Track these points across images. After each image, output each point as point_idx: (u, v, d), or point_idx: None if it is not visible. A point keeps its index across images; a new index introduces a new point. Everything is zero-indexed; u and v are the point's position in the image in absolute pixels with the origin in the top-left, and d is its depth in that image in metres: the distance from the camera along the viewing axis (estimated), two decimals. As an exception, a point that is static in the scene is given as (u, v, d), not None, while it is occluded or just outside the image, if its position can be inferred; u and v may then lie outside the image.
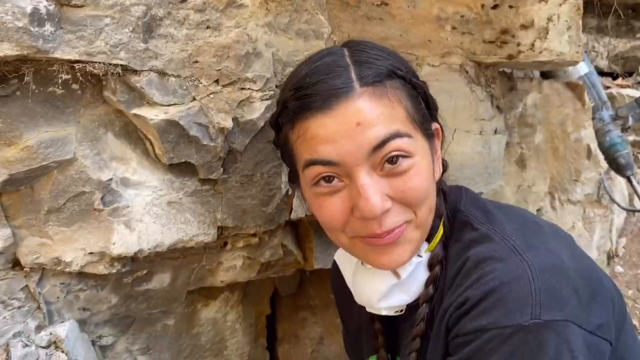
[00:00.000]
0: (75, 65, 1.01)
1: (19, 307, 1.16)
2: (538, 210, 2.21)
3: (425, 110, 1.02)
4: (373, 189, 0.91)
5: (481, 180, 1.72)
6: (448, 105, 1.62)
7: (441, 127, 1.13)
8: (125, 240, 1.15)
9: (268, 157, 1.28)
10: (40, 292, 1.17)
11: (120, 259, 1.16)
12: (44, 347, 1.17)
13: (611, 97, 2.59)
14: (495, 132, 1.78)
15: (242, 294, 1.58)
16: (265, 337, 1.71)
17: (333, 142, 0.91)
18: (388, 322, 1.17)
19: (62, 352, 1.17)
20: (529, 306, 0.85)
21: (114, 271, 1.17)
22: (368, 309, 1.12)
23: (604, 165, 2.37)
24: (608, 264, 2.74)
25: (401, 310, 1.10)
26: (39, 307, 1.18)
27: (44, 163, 1.05)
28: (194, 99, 1.13)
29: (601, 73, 2.93)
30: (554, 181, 2.31)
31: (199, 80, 1.13)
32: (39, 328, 1.19)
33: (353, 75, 0.94)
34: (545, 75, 2.33)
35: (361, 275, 1.12)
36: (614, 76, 3.13)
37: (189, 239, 1.23)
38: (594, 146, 2.33)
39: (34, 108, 1.04)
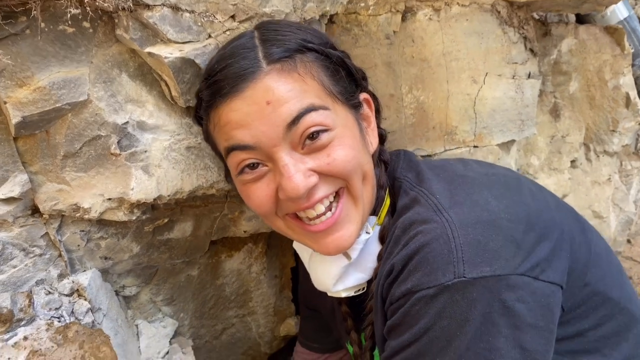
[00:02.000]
0: (84, -2, 0.96)
1: (40, 255, 1.14)
2: (573, 161, 2.12)
3: (345, 82, 0.99)
4: (294, 168, 0.90)
5: (514, 126, 1.63)
6: (479, 47, 1.54)
7: (373, 95, 1.10)
8: (144, 186, 1.11)
9: (289, 100, 1.22)
10: (61, 239, 1.15)
11: (139, 205, 1.14)
12: (66, 295, 1.16)
13: (652, 44, 2.43)
14: (529, 76, 1.68)
15: (266, 246, 1.55)
16: (291, 289, 1.69)
17: (246, 126, 0.89)
18: (357, 302, 1.15)
19: (85, 299, 1.16)
20: (450, 264, 0.83)
21: (134, 218, 1.15)
22: (329, 294, 1.11)
23: (644, 114, 2.24)
24: (645, 218, 2.64)
25: (363, 289, 1.08)
26: (60, 255, 1.17)
27: (57, 105, 1.02)
28: (209, 36, 1.08)
29: (641, 20, 2.76)
30: (590, 132, 2.20)
31: (214, 16, 1.07)
32: (61, 276, 1.18)
33: (260, 55, 0.91)
34: (581, 20, 2.20)
35: (314, 261, 1.10)
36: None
37: (209, 186, 1.20)
38: (634, 94, 2.20)
39: (44, 47, 1.00)
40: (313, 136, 0.90)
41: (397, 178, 1.05)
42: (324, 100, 0.92)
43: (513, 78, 1.62)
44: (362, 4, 1.37)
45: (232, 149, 0.92)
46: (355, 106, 1.00)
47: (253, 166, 0.93)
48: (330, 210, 0.96)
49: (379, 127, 1.11)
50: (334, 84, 0.96)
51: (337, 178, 0.94)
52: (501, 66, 1.59)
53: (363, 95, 1.05)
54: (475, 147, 1.56)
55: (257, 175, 0.94)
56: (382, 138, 1.10)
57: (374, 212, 1.04)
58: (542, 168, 2.03)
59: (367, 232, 1.02)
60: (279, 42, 0.93)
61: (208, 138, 1.02)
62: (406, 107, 1.45)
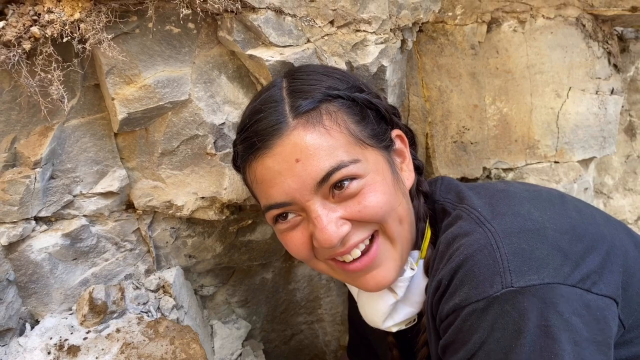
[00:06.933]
0: (195, -1, 0.98)
1: (131, 250, 1.17)
2: (648, 182, 2.04)
3: (374, 124, 0.98)
4: (326, 219, 0.91)
5: (595, 143, 1.59)
6: (563, 61, 1.51)
7: (407, 130, 1.10)
8: (236, 187, 1.13)
9: (378, 106, 1.22)
10: (151, 235, 1.17)
11: (229, 205, 1.15)
12: (153, 291, 1.18)
13: None
14: (612, 92, 1.64)
15: (338, 253, 1.55)
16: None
17: (280, 184, 0.91)
18: (407, 332, 1.13)
19: (170, 296, 1.18)
20: (497, 275, 0.81)
21: (223, 218, 1.16)
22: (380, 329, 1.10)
23: None
24: None
25: (414, 320, 1.08)
26: (148, 251, 1.19)
27: (160, 103, 1.04)
28: (308, 40, 1.09)
29: None
30: (667, 152, 2.12)
31: (314, 21, 1.08)
32: (147, 272, 1.20)
33: (286, 108, 0.92)
34: (659, 37, 2.13)
35: (362, 297, 1.10)
36: None
37: (295, 189, 1.20)
38: None
39: (152, 46, 1.03)
40: (341, 185, 0.91)
41: (436, 201, 1.05)
42: (352, 152, 0.92)
43: (596, 93, 1.58)
44: (450, 14, 1.36)
45: (270, 207, 0.95)
46: (387, 146, 1.00)
47: (284, 216, 0.95)
48: (368, 251, 0.97)
49: (415, 158, 1.10)
50: (362, 129, 0.95)
51: (369, 223, 0.94)
52: (585, 81, 1.55)
53: (395, 132, 1.04)
54: (556, 162, 1.52)
55: (291, 225, 0.95)
56: (419, 169, 1.10)
57: (416, 245, 1.03)
58: (617, 188, 1.96)
59: (411, 269, 1.01)
60: (305, 92, 0.94)
61: (248, 186, 1.04)
62: (489, 119, 1.43)
